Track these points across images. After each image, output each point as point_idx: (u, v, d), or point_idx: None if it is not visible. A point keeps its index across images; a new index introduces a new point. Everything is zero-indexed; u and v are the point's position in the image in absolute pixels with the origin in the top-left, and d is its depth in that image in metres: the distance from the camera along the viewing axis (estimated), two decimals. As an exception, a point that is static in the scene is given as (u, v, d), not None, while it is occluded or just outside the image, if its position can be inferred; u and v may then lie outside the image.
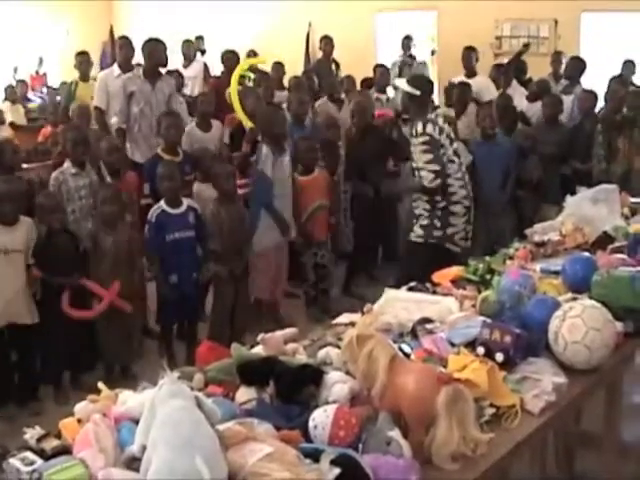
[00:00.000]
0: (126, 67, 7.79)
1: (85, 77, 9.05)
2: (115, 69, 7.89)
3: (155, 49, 7.31)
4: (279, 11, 13.73)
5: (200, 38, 12.59)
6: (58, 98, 10.65)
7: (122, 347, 5.71)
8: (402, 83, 5.92)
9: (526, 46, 9.78)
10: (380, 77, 9.32)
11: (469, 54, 9.38)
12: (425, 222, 5.77)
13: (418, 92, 5.71)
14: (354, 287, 7.39)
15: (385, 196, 7.11)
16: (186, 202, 5.91)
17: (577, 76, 8.85)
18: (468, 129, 7.75)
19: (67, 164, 5.98)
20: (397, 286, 3.82)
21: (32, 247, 5.25)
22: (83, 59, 9.20)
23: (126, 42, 8.09)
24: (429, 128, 5.60)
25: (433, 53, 12.89)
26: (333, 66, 11.06)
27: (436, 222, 5.73)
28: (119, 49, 8.16)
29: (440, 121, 5.78)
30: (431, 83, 6.10)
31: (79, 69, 9.09)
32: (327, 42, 11.12)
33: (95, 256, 5.55)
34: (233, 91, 8.07)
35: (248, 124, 7.39)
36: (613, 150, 7.20)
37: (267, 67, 9.94)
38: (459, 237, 5.81)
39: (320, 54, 11.54)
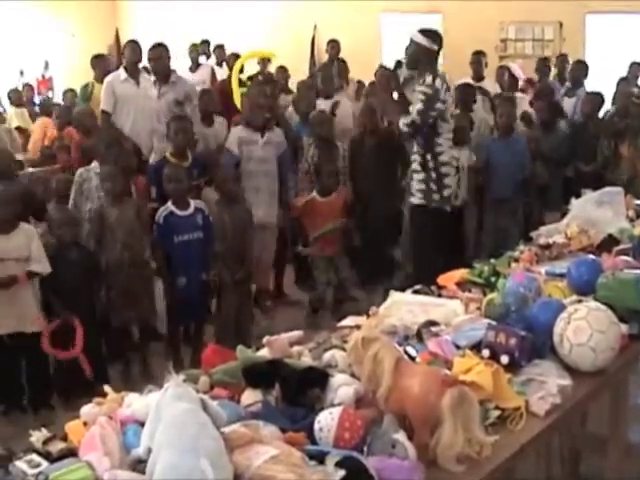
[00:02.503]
0: (132, 70, 7.82)
1: (100, 79, 9.10)
2: (121, 72, 7.90)
3: (150, 54, 7.44)
4: (284, 13, 13.75)
5: (206, 42, 12.60)
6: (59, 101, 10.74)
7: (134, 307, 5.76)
8: (419, 36, 5.82)
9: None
10: (381, 78, 9.30)
11: (479, 58, 9.39)
12: (422, 187, 5.89)
13: (436, 47, 5.79)
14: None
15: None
16: (194, 203, 5.93)
17: (581, 79, 8.86)
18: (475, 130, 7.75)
19: (95, 164, 6.08)
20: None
21: (36, 253, 5.23)
22: (99, 61, 9.30)
23: (133, 45, 8.10)
24: (438, 82, 5.68)
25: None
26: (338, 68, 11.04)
27: (432, 186, 5.87)
28: (125, 52, 8.18)
29: (446, 77, 5.86)
30: (442, 38, 6.05)
31: (94, 71, 9.15)
32: (333, 46, 11.12)
33: (105, 230, 5.66)
34: (234, 83, 8.15)
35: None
36: (617, 156, 7.22)
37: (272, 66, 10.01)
38: (454, 196, 6.09)
39: (326, 56, 11.56)
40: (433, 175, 5.83)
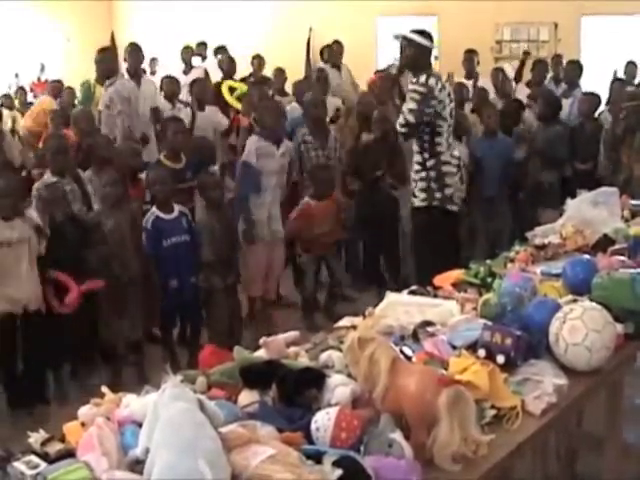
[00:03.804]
0: (134, 73, 7.94)
1: (101, 80, 9.18)
2: (124, 74, 8.08)
3: (96, 57, 7.78)
4: (280, 16, 13.76)
5: (203, 44, 12.60)
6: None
7: (125, 325, 5.75)
8: (417, 37, 5.79)
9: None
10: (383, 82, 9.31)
11: (470, 57, 9.48)
12: (423, 186, 5.87)
13: (433, 45, 5.84)
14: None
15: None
16: (177, 208, 5.94)
17: (576, 79, 8.89)
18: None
19: (47, 175, 6.03)
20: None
21: (42, 237, 5.31)
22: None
23: (135, 48, 8.30)
24: (432, 81, 5.67)
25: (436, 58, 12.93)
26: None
27: (433, 185, 5.84)
28: (128, 55, 8.27)
29: (443, 78, 5.89)
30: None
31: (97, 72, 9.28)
32: (337, 47, 11.05)
33: (99, 239, 5.62)
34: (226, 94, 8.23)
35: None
36: (615, 161, 7.24)
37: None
38: (457, 196, 5.95)
39: (322, 60, 11.54)
40: (433, 174, 5.80)
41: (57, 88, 11.56)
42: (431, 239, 5.81)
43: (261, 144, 6.45)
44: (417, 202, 5.96)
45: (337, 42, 11.08)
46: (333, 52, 10.94)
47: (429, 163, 5.81)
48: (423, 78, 5.65)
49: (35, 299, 5.32)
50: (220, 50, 11.41)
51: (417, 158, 5.88)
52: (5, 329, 5.25)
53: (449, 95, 5.81)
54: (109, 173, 5.86)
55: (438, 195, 5.84)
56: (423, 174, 5.85)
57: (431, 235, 5.83)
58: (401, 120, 5.72)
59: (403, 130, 5.76)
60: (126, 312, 5.71)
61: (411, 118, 5.66)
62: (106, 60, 7.59)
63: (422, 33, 5.89)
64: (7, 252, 5.21)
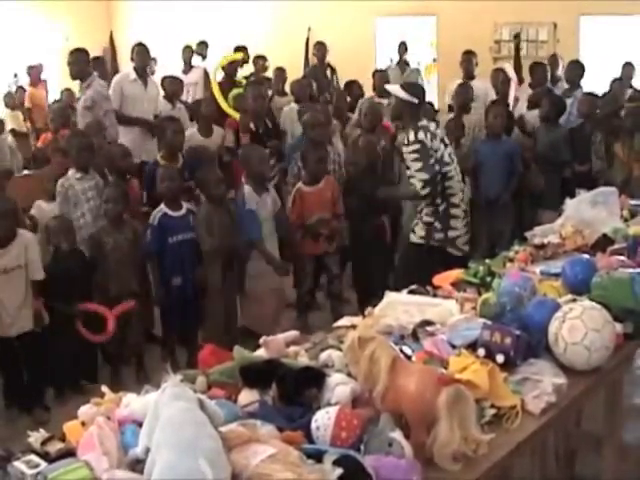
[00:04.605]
0: (142, 72, 8.11)
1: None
2: (131, 73, 8.18)
3: (68, 58, 7.67)
4: (279, 16, 13.75)
5: (203, 44, 12.59)
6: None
7: (125, 338, 5.76)
8: (397, 90, 5.85)
9: (516, 37, 10.16)
10: (379, 82, 9.33)
11: (469, 58, 9.45)
12: (426, 223, 5.80)
13: (416, 100, 5.75)
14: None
15: (382, 202, 7.00)
16: (185, 205, 5.93)
17: (577, 80, 8.88)
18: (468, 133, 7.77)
19: (71, 171, 6.02)
20: (395, 289, 3.82)
21: (36, 261, 5.29)
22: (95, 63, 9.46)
23: (142, 49, 8.35)
24: (420, 135, 5.64)
25: (434, 60, 12.95)
26: (329, 71, 11.04)
27: (437, 224, 5.77)
28: (135, 55, 8.33)
29: (432, 127, 5.83)
30: (424, 91, 6.09)
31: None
32: (319, 48, 11.10)
33: (100, 257, 5.62)
34: (215, 90, 8.25)
35: (230, 111, 7.86)
36: (610, 155, 7.22)
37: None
38: (461, 241, 5.84)
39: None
40: (441, 210, 5.76)
41: (36, 74, 11.56)
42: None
43: (253, 193, 6.16)
44: (414, 238, 5.89)
45: (320, 43, 11.12)
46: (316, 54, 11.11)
47: (441, 207, 5.77)
48: (412, 135, 5.65)
49: (31, 319, 5.30)
50: (240, 49, 11.45)
51: (428, 202, 5.81)
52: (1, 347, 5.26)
53: (442, 140, 5.80)
54: (109, 190, 5.83)
55: (440, 236, 5.78)
56: (431, 214, 5.78)
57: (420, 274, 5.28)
58: (418, 184, 5.63)
59: (426, 190, 5.65)
60: (128, 327, 5.72)
61: (424, 175, 5.62)
62: (79, 62, 7.54)
63: (407, 86, 5.94)
64: (4, 279, 5.17)
